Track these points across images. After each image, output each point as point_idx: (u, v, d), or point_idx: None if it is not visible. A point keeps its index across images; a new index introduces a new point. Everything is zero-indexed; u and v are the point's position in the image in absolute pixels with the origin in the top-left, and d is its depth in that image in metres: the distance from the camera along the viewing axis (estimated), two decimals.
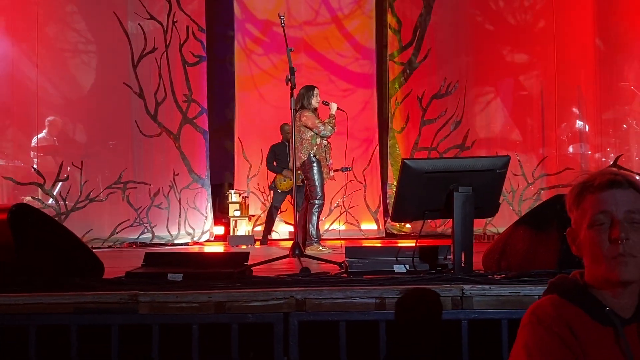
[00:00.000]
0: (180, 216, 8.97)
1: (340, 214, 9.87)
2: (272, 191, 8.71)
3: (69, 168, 8.36)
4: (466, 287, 2.94)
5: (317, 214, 6.69)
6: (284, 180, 8.32)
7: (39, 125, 8.37)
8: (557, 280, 1.58)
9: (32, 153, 8.36)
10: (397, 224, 9.74)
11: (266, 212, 8.98)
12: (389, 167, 9.99)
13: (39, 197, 8.24)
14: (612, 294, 1.49)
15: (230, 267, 3.48)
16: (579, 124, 8.35)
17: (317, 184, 6.63)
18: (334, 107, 6.71)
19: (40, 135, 8.37)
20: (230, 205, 8.79)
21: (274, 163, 8.49)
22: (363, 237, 9.92)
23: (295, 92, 5.36)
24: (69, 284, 3.09)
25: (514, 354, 1.53)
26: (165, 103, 8.96)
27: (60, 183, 8.31)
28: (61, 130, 8.58)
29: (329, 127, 6.59)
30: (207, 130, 9.29)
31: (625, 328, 1.46)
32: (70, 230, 3.71)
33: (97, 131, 8.66)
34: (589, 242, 1.48)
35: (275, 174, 8.50)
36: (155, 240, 8.74)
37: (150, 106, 8.86)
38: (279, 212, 9.01)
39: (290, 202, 8.57)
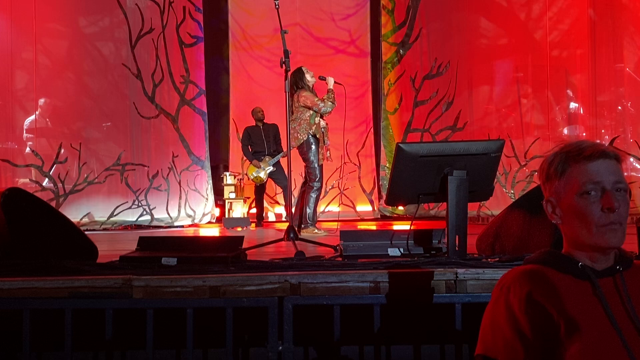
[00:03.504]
0: (180, 198, 8.96)
1: (336, 196, 9.87)
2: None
3: (62, 150, 8.31)
4: (460, 270, 2.95)
5: (315, 196, 6.67)
6: (260, 172, 8.29)
7: (35, 107, 8.31)
8: (532, 255, 1.67)
9: (27, 135, 8.31)
10: (390, 207, 9.75)
11: (255, 194, 8.94)
12: (382, 148, 9.97)
13: (36, 180, 8.21)
14: (590, 258, 1.56)
15: (225, 251, 3.47)
16: (573, 105, 8.35)
17: (315, 165, 6.60)
18: (331, 81, 6.66)
19: (33, 118, 8.31)
20: (225, 188, 8.79)
21: (249, 148, 8.49)
22: (358, 218, 9.94)
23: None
24: (62, 268, 3.08)
25: (483, 322, 1.59)
26: (163, 84, 8.91)
27: (55, 165, 8.27)
28: (56, 112, 8.50)
29: (329, 103, 6.55)
30: (206, 111, 9.25)
31: (600, 280, 1.53)
32: (63, 214, 3.70)
33: (95, 113, 8.61)
34: (577, 210, 1.53)
35: (248, 162, 8.50)
36: (155, 223, 8.73)
37: (148, 87, 8.81)
38: (274, 194, 9.01)
39: (276, 183, 8.62)
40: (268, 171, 8.29)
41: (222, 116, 10.23)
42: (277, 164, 8.32)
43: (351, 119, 9.67)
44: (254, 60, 10.06)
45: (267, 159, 8.30)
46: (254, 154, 8.42)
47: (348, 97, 9.45)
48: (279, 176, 8.33)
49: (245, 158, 8.76)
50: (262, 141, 8.38)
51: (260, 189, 8.64)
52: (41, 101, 8.34)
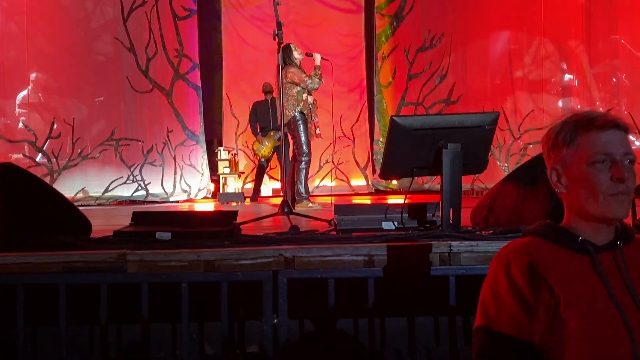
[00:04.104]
0: (175, 173, 8.94)
1: (330, 171, 9.86)
2: None
3: (55, 126, 8.25)
4: (454, 243, 2.96)
5: (304, 170, 6.69)
6: (263, 148, 8.23)
7: (27, 82, 8.23)
8: (531, 226, 1.64)
9: (19, 110, 8.24)
10: (384, 180, 9.75)
11: (256, 168, 8.93)
12: (376, 122, 9.94)
13: (29, 155, 8.17)
14: (593, 229, 1.55)
15: (219, 225, 3.47)
16: (568, 77, 8.32)
17: (303, 141, 6.61)
18: (317, 57, 6.65)
19: (26, 93, 8.24)
20: (219, 163, 8.76)
21: (257, 123, 8.41)
22: (353, 193, 9.94)
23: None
24: (56, 243, 3.08)
25: (483, 295, 1.57)
26: (156, 58, 8.83)
27: (48, 141, 8.22)
28: (49, 87, 8.43)
29: (316, 79, 6.55)
30: (200, 85, 9.18)
31: (600, 255, 1.52)
32: (56, 190, 3.68)
33: (88, 88, 8.55)
34: (585, 179, 1.52)
35: (254, 139, 8.44)
36: (150, 198, 8.72)
37: (141, 61, 8.74)
38: (269, 168, 8.99)
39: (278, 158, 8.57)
40: (272, 146, 8.22)
41: (216, 91, 10.17)
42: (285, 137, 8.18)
43: (345, 83, 9.67)
44: (246, 21, 9.94)
45: (272, 133, 8.23)
46: (261, 130, 8.37)
47: (343, 57, 9.44)
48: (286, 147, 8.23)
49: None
50: (269, 116, 8.28)
51: (261, 167, 8.59)
52: (33, 76, 8.27)
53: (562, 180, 1.57)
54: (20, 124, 8.20)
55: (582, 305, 1.47)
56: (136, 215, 3.66)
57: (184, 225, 3.53)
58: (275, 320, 2.80)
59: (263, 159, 8.42)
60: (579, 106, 8.11)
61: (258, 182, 8.70)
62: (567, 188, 1.57)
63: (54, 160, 8.23)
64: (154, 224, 3.55)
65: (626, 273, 1.51)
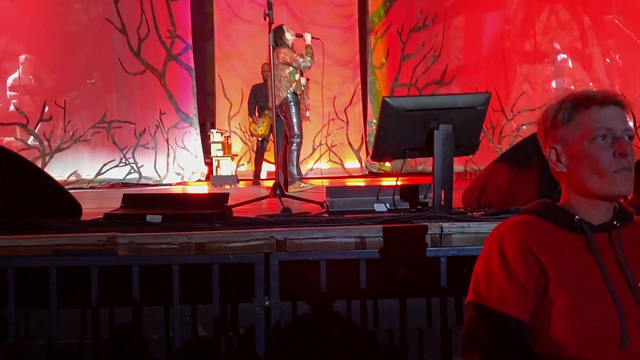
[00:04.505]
0: (168, 156, 8.90)
1: (323, 153, 9.84)
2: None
3: (47, 108, 8.19)
4: (445, 224, 2.96)
5: (296, 152, 6.69)
6: (259, 127, 8.18)
7: (17, 64, 8.15)
8: (529, 205, 1.64)
9: (10, 93, 8.17)
10: (377, 163, 9.74)
11: (255, 151, 8.85)
12: (369, 104, 9.90)
13: (21, 138, 8.11)
14: (592, 208, 1.55)
15: (210, 208, 3.45)
16: (561, 57, 8.29)
17: (294, 122, 6.60)
18: (308, 37, 6.64)
19: (17, 75, 8.16)
20: (212, 145, 8.72)
21: (256, 106, 8.31)
22: (347, 175, 9.93)
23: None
24: (46, 225, 3.06)
25: (476, 271, 1.57)
26: (149, 39, 8.74)
27: (40, 123, 8.16)
28: (39, 69, 8.34)
29: (308, 58, 6.54)
30: (193, 67, 9.11)
31: (595, 235, 1.52)
32: (46, 172, 3.66)
33: (79, 69, 8.46)
34: (587, 156, 1.51)
35: (250, 121, 8.35)
36: (143, 181, 8.68)
37: (133, 43, 8.64)
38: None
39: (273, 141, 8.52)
40: (268, 124, 8.10)
41: (208, 72, 10.10)
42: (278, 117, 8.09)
43: (338, 58, 9.61)
44: (239, 13, 9.85)
45: (267, 112, 8.13)
46: (260, 110, 8.26)
47: (337, 28, 9.36)
48: (279, 128, 8.15)
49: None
50: (267, 98, 8.19)
51: (260, 148, 8.53)
52: (22, 57, 8.17)
53: (562, 159, 1.56)
54: (12, 107, 8.12)
55: (573, 284, 1.47)
56: (127, 198, 3.64)
57: (175, 208, 3.52)
58: (267, 303, 2.80)
59: (261, 139, 8.34)
60: (572, 86, 8.09)
61: (258, 164, 8.61)
62: (568, 166, 1.55)
63: (45, 143, 8.17)
64: (144, 206, 3.54)
65: (621, 253, 1.51)
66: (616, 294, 1.45)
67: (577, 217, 1.54)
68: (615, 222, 1.54)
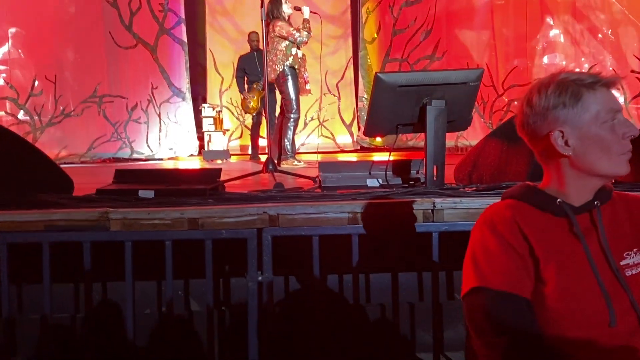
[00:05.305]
0: (160, 131, 8.85)
1: (315, 128, 9.82)
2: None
3: (37, 83, 8.11)
4: (437, 200, 2.97)
5: (292, 128, 6.62)
6: (250, 103, 8.07)
7: (6, 37, 8.05)
8: (510, 189, 1.64)
9: (0, 67, 8.08)
10: (369, 138, 9.74)
11: (251, 127, 8.79)
12: (360, 79, 9.87)
13: (11, 113, 8.04)
14: (580, 188, 1.54)
15: (203, 183, 3.45)
16: (554, 33, 8.27)
17: (292, 97, 6.53)
18: (306, 11, 6.53)
19: (6, 49, 8.06)
20: (204, 120, 8.68)
21: (245, 78, 8.19)
22: (339, 150, 9.93)
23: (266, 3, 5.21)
24: (38, 201, 3.05)
25: (473, 257, 1.57)
26: (141, 13, 8.64)
27: (30, 98, 8.09)
28: (29, 42, 8.24)
29: (305, 33, 6.44)
30: (186, 41, 9.03)
31: (578, 217, 1.53)
32: (36, 147, 3.64)
33: (70, 43, 8.37)
34: (598, 138, 1.50)
35: (242, 98, 8.22)
36: (135, 156, 8.65)
37: (125, 16, 8.55)
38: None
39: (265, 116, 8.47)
40: (259, 97, 8.01)
41: (199, 46, 10.02)
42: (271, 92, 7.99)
43: (331, 35, 9.55)
44: None
45: (255, 85, 8.03)
46: (250, 84, 8.16)
47: (328, 2, 9.25)
48: (271, 103, 8.07)
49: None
50: (257, 69, 8.08)
51: (256, 122, 8.48)
52: (11, 30, 8.06)
53: (570, 142, 1.52)
54: (2, 81, 8.04)
55: (559, 266, 1.48)
56: (119, 173, 3.63)
57: (168, 183, 3.51)
58: (260, 278, 2.82)
59: (254, 113, 8.25)
60: (564, 62, 8.09)
61: (254, 139, 8.54)
62: (575, 150, 1.52)
63: (36, 117, 8.11)
64: (137, 181, 3.53)
65: (602, 233, 1.51)
66: (600, 276, 1.47)
67: (558, 200, 1.54)
68: (595, 202, 1.55)
